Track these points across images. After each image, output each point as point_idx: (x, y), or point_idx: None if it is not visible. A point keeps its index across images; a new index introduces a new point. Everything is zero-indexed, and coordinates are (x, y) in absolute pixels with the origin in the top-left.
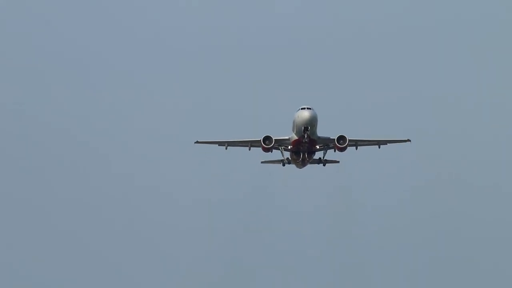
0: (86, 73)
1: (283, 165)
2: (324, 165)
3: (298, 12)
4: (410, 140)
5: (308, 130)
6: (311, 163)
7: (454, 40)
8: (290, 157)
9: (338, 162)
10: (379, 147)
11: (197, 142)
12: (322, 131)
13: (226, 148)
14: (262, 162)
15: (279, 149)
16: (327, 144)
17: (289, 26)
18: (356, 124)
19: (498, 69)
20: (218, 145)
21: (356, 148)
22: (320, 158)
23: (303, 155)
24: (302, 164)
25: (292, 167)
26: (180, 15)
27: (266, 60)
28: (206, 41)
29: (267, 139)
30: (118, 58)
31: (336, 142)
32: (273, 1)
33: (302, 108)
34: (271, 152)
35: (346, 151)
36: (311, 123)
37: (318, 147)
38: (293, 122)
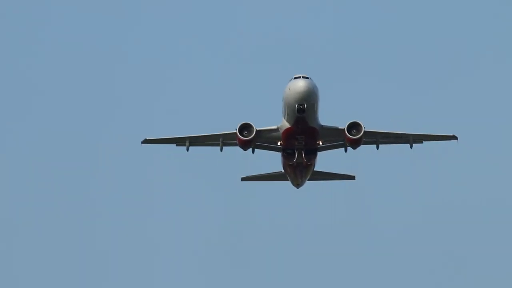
0: None
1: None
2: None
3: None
4: (456, 138)
5: (304, 111)
6: (313, 178)
7: None
8: (282, 163)
9: (353, 178)
10: (411, 146)
11: (145, 141)
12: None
13: (187, 149)
14: (242, 179)
15: (268, 147)
16: (334, 138)
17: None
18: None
19: None
20: (176, 145)
21: (377, 147)
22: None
23: (299, 155)
24: (300, 175)
25: (286, 185)
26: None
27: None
28: None
29: (245, 128)
30: None
31: (346, 132)
32: None
33: (295, 78)
34: (253, 152)
35: (361, 148)
36: (309, 100)
37: (321, 143)
38: (283, 101)
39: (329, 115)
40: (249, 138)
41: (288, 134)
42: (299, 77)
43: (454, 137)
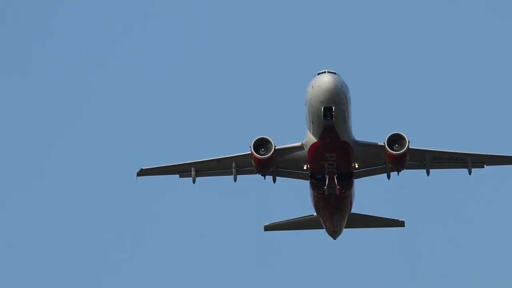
0: None
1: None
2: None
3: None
4: None
5: (333, 116)
6: (351, 224)
7: None
8: (312, 197)
9: (402, 224)
10: (470, 172)
11: (141, 172)
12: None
13: (193, 181)
14: (266, 229)
15: (291, 174)
16: (373, 159)
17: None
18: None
19: None
20: (179, 176)
21: (428, 172)
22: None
23: (331, 181)
24: (335, 215)
25: (319, 234)
26: None
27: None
28: None
29: (262, 145)
30: None
31: (387, 147)
32: None
33: (319, 73)
34: (274, 181)
35: (407, 175)
36: (338, 100)
37: (357, 165)
38: (306, 105)
39: (362, 132)
40: (268, 156)
41: (315, 151)
42: (324, 72)
43: None
